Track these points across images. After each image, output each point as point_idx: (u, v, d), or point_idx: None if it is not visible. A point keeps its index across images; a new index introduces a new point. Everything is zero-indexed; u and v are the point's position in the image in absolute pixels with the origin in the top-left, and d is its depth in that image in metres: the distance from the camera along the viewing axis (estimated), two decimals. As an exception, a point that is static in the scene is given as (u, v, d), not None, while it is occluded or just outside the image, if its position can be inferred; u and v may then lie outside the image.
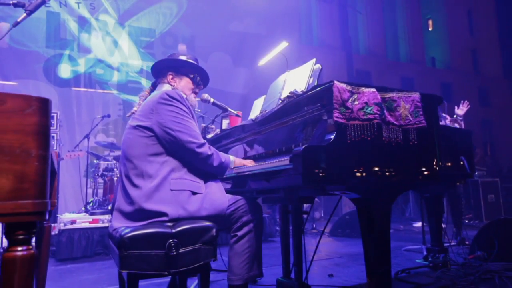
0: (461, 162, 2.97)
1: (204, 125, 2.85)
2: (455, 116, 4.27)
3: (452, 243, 3.69)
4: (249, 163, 1.96)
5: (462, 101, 4.34)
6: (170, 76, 1.99)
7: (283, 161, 1.58)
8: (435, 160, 1.72)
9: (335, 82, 1.53)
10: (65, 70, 7.55)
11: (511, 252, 2.89)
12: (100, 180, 5.06)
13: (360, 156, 1.51)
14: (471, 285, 2.29)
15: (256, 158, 2.20)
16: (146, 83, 8.16)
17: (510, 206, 7.35)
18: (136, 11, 8.31)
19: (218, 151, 1.86)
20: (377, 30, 16.63)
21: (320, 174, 1.44)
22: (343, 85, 1.54)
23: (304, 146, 1.43)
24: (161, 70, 2.01)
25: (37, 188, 0.96)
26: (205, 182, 1.84)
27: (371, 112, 1.54)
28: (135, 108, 1.94)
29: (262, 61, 8.72)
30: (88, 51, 7.82)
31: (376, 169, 1.53)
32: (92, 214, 4.34)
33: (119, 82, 8.04)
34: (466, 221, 5.70)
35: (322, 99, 1.61)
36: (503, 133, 17.43)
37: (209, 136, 2.82)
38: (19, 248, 0.94)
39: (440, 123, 3.40)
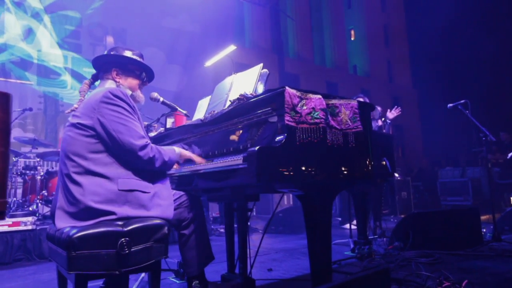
0: (384, 163, 3.32)
1: (146, 123, 2.81)
2: (383, 119, 4.70)
3: (375, 236, 4.09)
4: (197, 158, 2.00)
5: (395, 107, 4.77)
6: (115, 73, 1.95)
7: (235, 161, 1.66)
8: (368, 160, 1.93)
9: (287, 88, 1.65)
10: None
11: (422, 241, 3.32)
12: (19, 179, 4.63)
13: (308, 157, 1.65)
14: (392, 271, 2.58)
15: (203, 157, 2.24)
16: (71, 71, 7.60)
17: (418, 201, 8.30)
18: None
19: (161, 147, 1.86)
20: (305, 36, 17.49)
21: (273, 173, 1.55)
22: (294, 91, 1.67)
23: (258, 146, 1.53)
24: (104, 64, 1.96)
25: (-2, 186, 0.92)
26: (152, 179, 1.84)
27: (318, 116, 1.69)
28: (75, 105, 1.87)
29: (209, 62, 8.68)
30: (1, 35, 7.06)
31: (321, 168, 1.68)
32: (12, 216, 3.97)
33: (39, 72, 7.39)
34: (384, 217, 6.30)
35: (273, 103, 1.72)
36: (411, 137, 19.50)
37: (151, 134, 2.78)
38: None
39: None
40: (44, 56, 7.45)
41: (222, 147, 2.12)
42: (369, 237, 3.51)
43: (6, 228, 3.75)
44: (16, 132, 6.88)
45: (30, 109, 4.94)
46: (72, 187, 1.67)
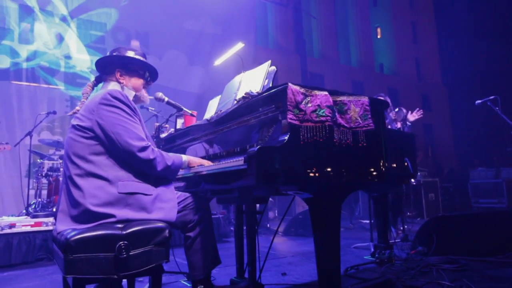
0: (405, 163, 3.15)
1: (157, 124, 2.79)
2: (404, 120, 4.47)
3: (397, 240, 3.90)
4: (207, 162, 1.94)
5: (417, 109, 4.54)
6: (119, 74, 1.92)
7: (237, 162, 1.59)
8: (381, 161, 1.81)
9: (290, 84, 1.56)
10: (3, 62, 7.00)
11: (447, 246, 3.13)
12: (44, 180, 4.76)
13: (313, 157, 1.55)
14: (412, 279, 2.43)
15: (211, 158, 2.19)
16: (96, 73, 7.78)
17: (447, 203, 7.93)
18: (86, 4, 7.92)
19: (166, 152, 1.81)
20: (330, 35, 17.19)
21: (274, 175, 1.47)
22: (297, 88, 1.58)
23: (258, 146, 1.45)
24: (108, 66, 1.94)
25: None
26: (154, 182, 1.79)
27: (324, 114, 1.59)
28: (77, 108, 1.85)
29: (218, 61, 8.67)
30: (32, 42, 7.32)
31: (328, 169, 1.58)
32: (34, 217, 4.07)
33: (67, 77, 7.61)
34: (409, 219, 6.03)
35: (276, 100, 1.64)
36: (442, 136, 18.76)
37: (163, 135, 2.76)
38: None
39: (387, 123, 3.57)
40: (71, 62, 7.67)
41: (229, 147, 2.06)
42: (391, 241, 3.35)
43: (28, 228, 3.85)
44: (44, 135, 7.11)
45: (54, 112, 5.07)
46: (73, 190, 1.66)
